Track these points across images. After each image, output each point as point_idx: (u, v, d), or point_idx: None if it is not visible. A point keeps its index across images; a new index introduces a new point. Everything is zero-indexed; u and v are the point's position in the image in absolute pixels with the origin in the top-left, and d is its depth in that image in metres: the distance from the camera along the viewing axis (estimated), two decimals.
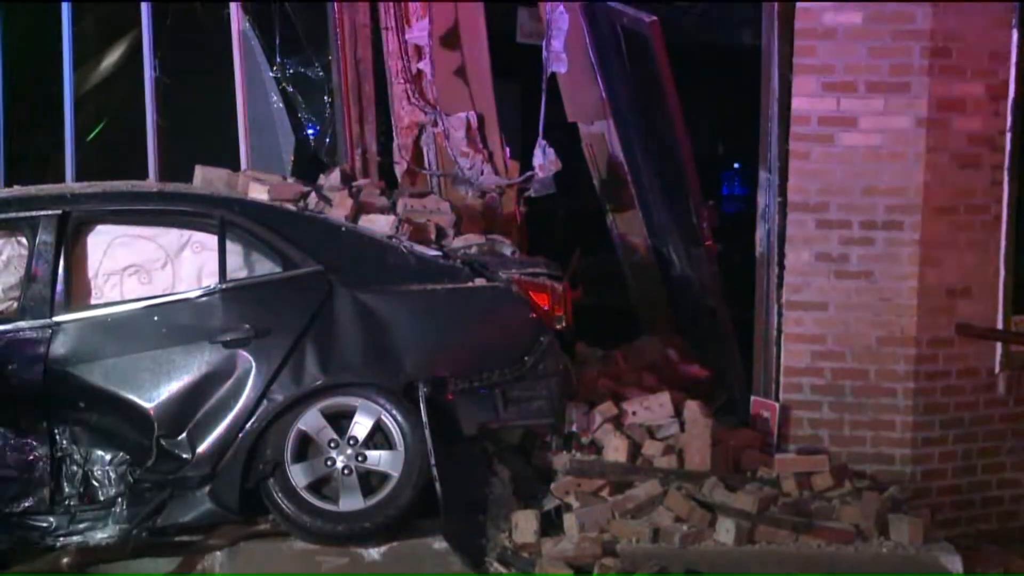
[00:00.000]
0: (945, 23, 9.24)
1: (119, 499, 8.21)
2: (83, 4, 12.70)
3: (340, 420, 8.24)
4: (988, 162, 9.41)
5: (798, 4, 9.46)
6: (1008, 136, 9.44)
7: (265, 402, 8.15)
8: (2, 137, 13.13)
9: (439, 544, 8.22)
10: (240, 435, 8.12)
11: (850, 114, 9.35)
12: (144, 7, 12.15)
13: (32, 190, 8.88)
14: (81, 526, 8.19)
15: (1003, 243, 9.50)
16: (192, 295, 8.31)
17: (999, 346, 9.52)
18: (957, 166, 9.32)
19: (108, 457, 8.26)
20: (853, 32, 9.30)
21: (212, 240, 8.38)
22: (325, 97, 11.38)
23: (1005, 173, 9.45)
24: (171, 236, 8.50)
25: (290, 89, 11.59)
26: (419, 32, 10.90)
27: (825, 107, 9.39)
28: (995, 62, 9.37)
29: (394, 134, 11.10)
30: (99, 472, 8.24)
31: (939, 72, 9.23)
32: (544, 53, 10.92)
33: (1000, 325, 9.53)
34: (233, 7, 11.62)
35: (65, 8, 12.61)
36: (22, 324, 8.20)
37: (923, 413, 9.36)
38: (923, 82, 9.23)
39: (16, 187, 9.13)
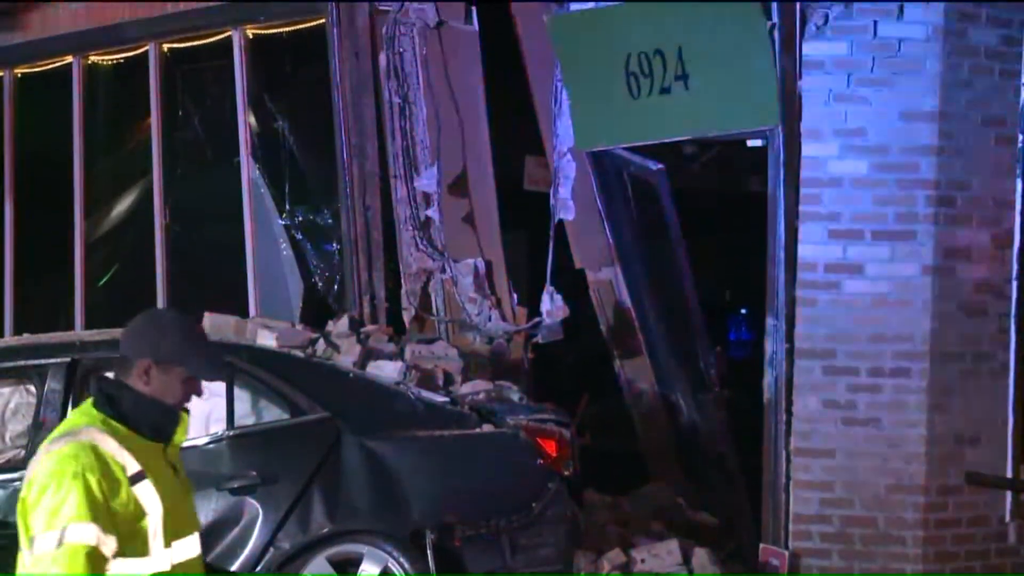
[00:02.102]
0: (950, 172, 9.30)
1: None
2: (95, 152, 12.86)
3: (347, 567, 8.19)
4: (994, 310, 9.42)
5: (804, 153, 9.54)
6: (1014, 284, 9.46)
7: (272, 550, 8.10)
8: (12, 282, 13.22)
9: None
10: None
11: (857, 261, 9.38)
12: (155, 155, 12.29)
13: (41, 338, 8.91)
14: None
15: (1011, 391, 9.48)
16: (200, 442, 8.29)
17: (1009, 494, 9.47)
18: (964, 314, 9.33)
19: None
20: (859, 180, 9.36)
21: (220, 386, 8.38)
22: (334, 244, 11.45)
23: (1011, 321, 9.46)
24: None
25: (299, 236, 11.66)
26: (428, 180, 10.99)
27: (831, 254, 9.42)
28: (1000, 211, 9.43)
29: (402, 280, 11.14)
30: None
31: (944, 220, 9.28)
32: (551, 200, 11.00)
33: (1010, 473, 9.48)
34: (243, 156, 11.74)
35: (77, 156, 12.76)
36: None
37: (933, 561, 9.29)
38: (929, 230, 9.27)
39: (26, 335, 9.17)
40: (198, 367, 4.98)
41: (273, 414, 8.46)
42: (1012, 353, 9.47)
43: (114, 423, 4.89)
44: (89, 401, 4.96)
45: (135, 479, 4.81)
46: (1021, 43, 9.45)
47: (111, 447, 4.81)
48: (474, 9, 10.98)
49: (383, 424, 8.45)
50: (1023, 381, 9.51)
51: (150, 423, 4.93)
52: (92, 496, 4.72)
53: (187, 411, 5.05)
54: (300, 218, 11.69)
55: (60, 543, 4.68)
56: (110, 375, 5.01)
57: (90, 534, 4.70)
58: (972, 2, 9.25)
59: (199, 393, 5.03)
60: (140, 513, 4.82)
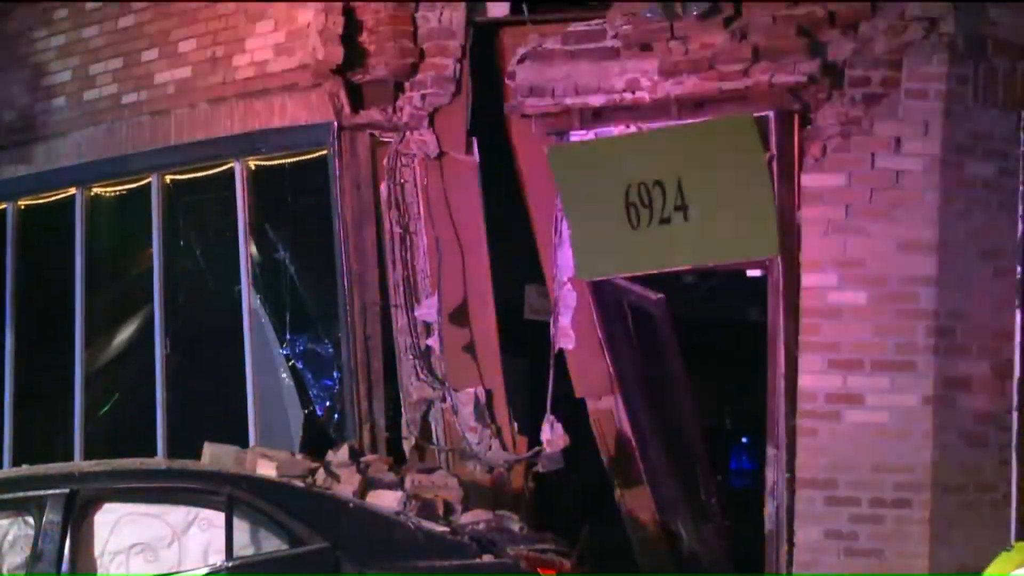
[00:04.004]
0: (949, 303, 9.34)
1: None
2: (97, 282, 12.91)
3: None
4: (996, 441, 9.42)
5: (803, 283, 9.59)
6: (1015, 415, 9.47)
7: None
8: (11, 412, 13.22)
9: None
10: None
11: (857, 391, 9.40)
12: (156, 284, 12.34)
13: (40, 469, 8.88)
14: None
15: (1012, 522, 9.45)
16: (198, 574, 8.24)
17: None
18: (965, 444, 9.33)
19: None
20: (858, 311, 9.40)
21: (219, 517, 8.34)
22: (334, 373, 11.45)
23: (1013, 452, 9.46)
24: (178, 514, 8.47)
25: (299, 365, 11.67)
26: (428, 309, 11.02)
27: (832, 384, 9.44)
28: (999, 341, 9.46)
29: (402, 409, 11.13)
30: None
31: (944, 351, 9.31)
32: (552, 329, 11.02)
33: None
34: (244, 285, 11.79)
35: (78, 286, 12.81)
36: None
37: None
38: (929, 360, 9.30)
39: (24, 466, 9.15)
40: None
41: (272, 544, 8.41)
42: (1014, 484, 9.45)
43: None
44: None
45: None
46: (1018, 176, 9.55)
47: None
48: (475, 140, 11.05)
49: (383, 554, 8.40)
50: None
51: None
52: None
53: None
54: (300, 347, 11.71)
55: None
56: None
57: None
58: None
59: None
60: None
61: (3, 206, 13.55)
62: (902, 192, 9.41)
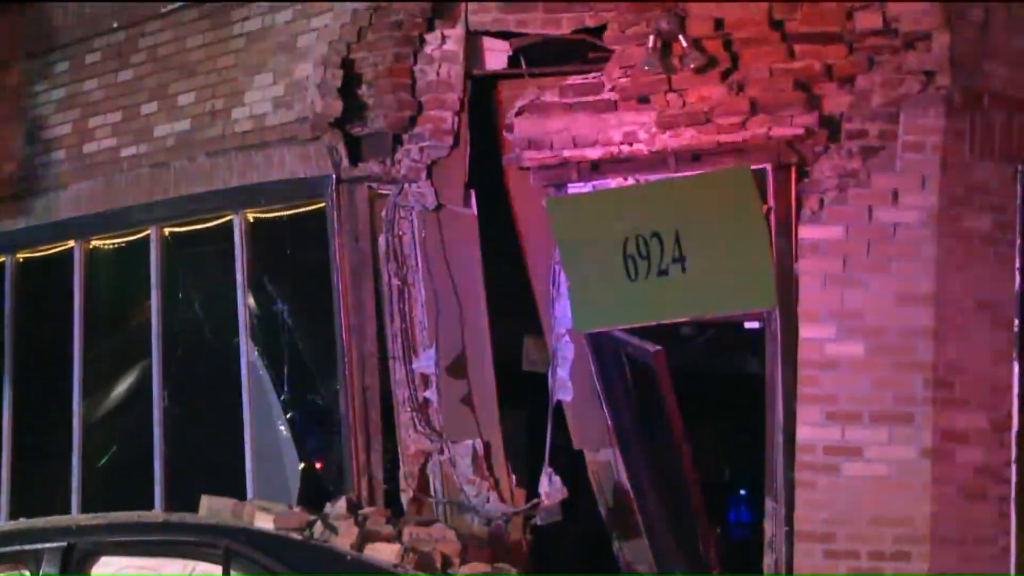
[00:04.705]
0: (946, 355, 9.35)
1: None
2: (95, 334, 12.92)
3: None
4: (994, 494, 9.41)
5: (801, 335, 9.60)
6: (1013, 468, 9.47)
7: None
8: (9, 465, 13.21)
9: None
10: None
11: (855, 444, 9.40)
12: (155, 336, 12.34)
13: (37, 522, 8.87)
14: None
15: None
16: None
17: None
18: (963, 497, 9.32)
19: None
20: (856, 363, 9.41)
21: (217, 570, 8.35)
22: (332, 425, 11.44)
23: (1012, 505, 9.44)
24: (175, 567, 8.47)
25: (297, 417, 11.67)
26: (426, 361, 11.02)
27: (830, 437, 9.44)
28: (997, 394, 9.46)
29: (400, 462, 11.11)
30: None
31: (943, 403, 9.31)
32: (550, 381, 11.02)
33: None
34: (243, 337, 11.79)
35: (76, 338, 12.82)
36: None
37: None
38: (927, 413, 9.30)
39: (22, 519, 9.14)
40: None
41: None
42: (1013, 537, 9.44)
43: None
44: None
45: None
46: (1015, 228, 9.57)
47: None
48: (473, 192, 11.08)
49: None
50: None
51: None
52: None
53: None
54: (298, 399, 11.70)
55: None
56: None
57: None
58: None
59: None
60: None
61: (1, 259, 13.57)
62: (900, 244, 9.44)
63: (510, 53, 10.93)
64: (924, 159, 9.45)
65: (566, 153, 10.41)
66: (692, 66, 9.91)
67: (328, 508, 9.99)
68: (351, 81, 10.99)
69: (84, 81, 12.92)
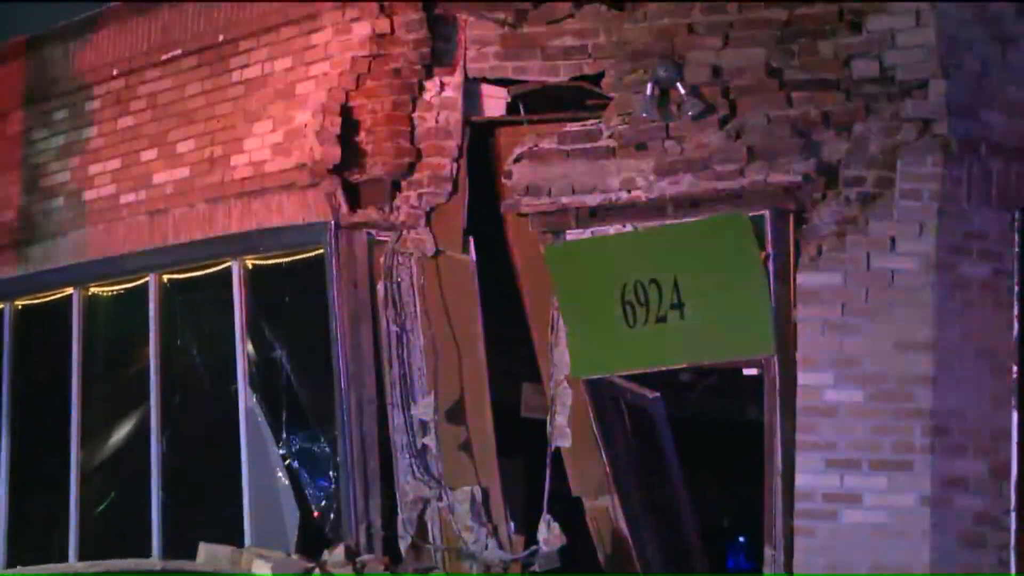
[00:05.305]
0: (945, 402, 9.35)
1: None
2: (93, 381, 12.91)
3: None
4: (994, 541, 9.39)
5: (800, 381, 9.60)
6: (1013, 516, 9.45)
7: None
8: (7, 512, 13.17)
9: None
10: None
11: (854, 491, 9.38)
12: (153, 382, 12.33)
13: (35, 570, 8.85)
14: None
15: None
16: None
17: None
18: (963, 545, 9.30)
19: None
20: (855, 410, 9.41)
21: None
22: (330, 472, 11.42)
23: (1011, 552, 9.42)
24: None
25: (295, 464, 11.64)
26: (424, 408, 11.01)
27: (829, 483, 9.44)
28: (996, 441, 9.45)
29: (399, 508, 11.09)
30: None
31: (941, 451, 9.30)
32: (548, 428, 11.01)
33: None
34: (241, 384, 11.78)
35: (74, 385, 12.81)
36: None
37: None
38: (926, 460, 9.29)
39: (19, 567, 9.11)
40: None
41: None
42: None
43: None
44: None
45: None
46: (1013, 276, 9.58)
47: None
48: (471, 238, 11.10)
49: None
50: None
51: None
52: None
53: None
54: (297, 446, 11.68)
55: None
56: None
57: None
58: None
59: None
60: None
61: (0, 306, 13.57)
62: (898, 291, 9.45)
63: (508, 100, 10.96)
64: (922, 206, 9.47)
65: (564, 200, 10.44)
66: (690, 113, 9.94)
67: (326, 555, 9.98)
68: (350, 128, 11.01)
69: (83, 128, 12.95)
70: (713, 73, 9.96)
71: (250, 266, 11.83)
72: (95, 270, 12.72)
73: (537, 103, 10.91)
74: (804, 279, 9.65)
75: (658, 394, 11.76)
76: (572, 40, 10.58)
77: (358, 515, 11.09)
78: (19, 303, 13.43)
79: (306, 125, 11.18)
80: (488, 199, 10.97)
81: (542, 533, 10.87)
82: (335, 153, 10.96)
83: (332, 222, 11.09)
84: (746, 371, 10.44)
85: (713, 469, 14.32)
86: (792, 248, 9.73)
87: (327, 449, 11.52)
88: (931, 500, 9.25)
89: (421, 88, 10.91)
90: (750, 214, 9.82)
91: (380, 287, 11.11)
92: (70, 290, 12.97)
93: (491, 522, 11.08)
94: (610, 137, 10.28)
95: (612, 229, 10.44)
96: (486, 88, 10.95)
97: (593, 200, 10.33)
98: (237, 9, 11.89)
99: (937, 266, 9.41)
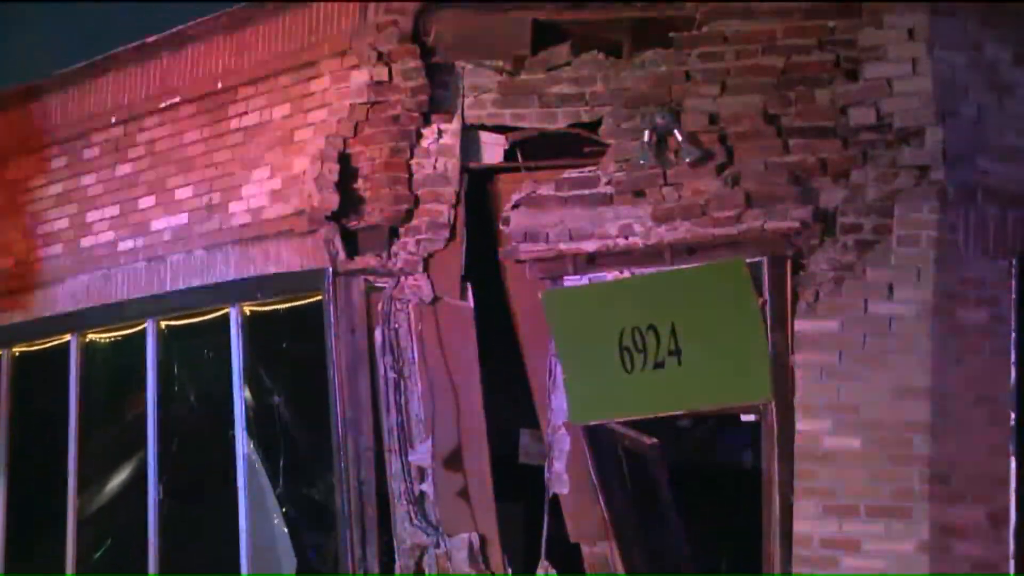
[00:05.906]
0: (944, 449, 9.34)
1: None
2: (90, 427, 12.91)
3: None
4: None
5: (797, 428, 9.60)
6: (1011, 563, 9.43)
7: None
8: (4, 558, 13.14)
9: None
10: None
11: (853, 538, 9.37)
12: (150, 429, 12.32)
13: None
14: None
15: None
16: None
17: None
18: None
19: None
20: (853, 456, 9.40)
21: None
22: (328, 519, 11.40)
23: None
24: None
25: (293, 511, 11.63)
26: (422, 454, 11.00)
27: (827, 530, 9.42)
28: (994, 488, 9.44)
29: (396, 555, 11.07)
30: None
31: (940, 498, 9.28)
32: (546, 474, 10.99)
33: None
34: (238, 430, 11.78)
35: (72, 431, 12.81)
36: None
37: None
38: (924, 507, 9.27)
39: None
40: None
41: None
42: None
43: None
44: None
45: None
46: (1010, 322, 9.60)
47: None
48: (469, 285, 11.11)
49: None
50: None
51: None
52: None
53: None
54: (294, 493, 11.67)
55: None
56: None
57: None
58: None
59: None
60: None
61: None
62: (895, 338, 9.45)
63: (506, 147, 10.99)
64: (918, 253, 9.49)
65: (562, 246, 10.45)
66: (687, 160, 9.97)
67: None
68: (348, 175, 11.04)
69: (82, 176, 12.98)
70: (710, 120, 9.99)
71: (248, 313, 11.85)
72: (93, 317, 12.74)
73: (535, 150, 10.93)
74: (802, 325, 9.67)
75: (656, 440, 11.75)
76: (570, 88, 10.62)
77: (355, 562, 11.07)
78: (17, 350, 13.44)
79: (304, 172, 11.22)
80: (486, 246, 10.99)
81: None
82: (333, 200, 10.99)
83: (330, 269, 11.11)
84: (744, 417, 10.45)
85: (711, 515, 14.29)
86: (789, 294, 9.74)
87: (325, 496, 11.51)
88: (930, 547, 9.23)
89: (419, 135, 10.94)
90: (747, 260, 9.84)
91: (378, 333, 11.12)
92: (68, 337, 12.98)
93: (489, 569, 11.06)
94: (608, 184, 10.31)
95: (610, 275, 10.45)
96: (484, 135, 10.99)
97: (591, 246, 10.35)
98: (235, 57, 11.95)
99: (934, 312, 9.42)
